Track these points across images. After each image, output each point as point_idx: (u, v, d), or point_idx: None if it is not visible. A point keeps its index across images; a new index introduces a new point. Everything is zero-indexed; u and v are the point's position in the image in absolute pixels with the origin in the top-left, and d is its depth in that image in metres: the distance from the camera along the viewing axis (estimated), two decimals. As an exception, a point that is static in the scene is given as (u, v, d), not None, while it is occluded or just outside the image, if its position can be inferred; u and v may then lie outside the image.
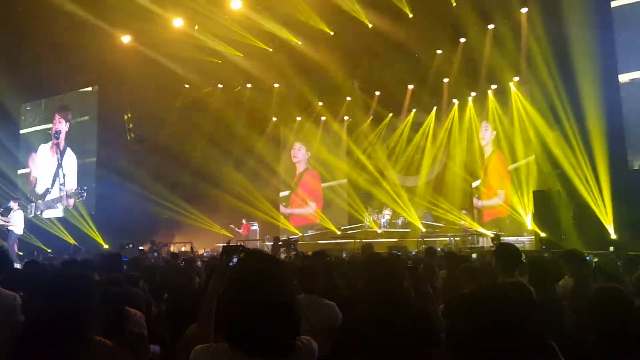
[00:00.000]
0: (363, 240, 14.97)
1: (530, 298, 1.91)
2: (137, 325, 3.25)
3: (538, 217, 12.65)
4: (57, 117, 19.38)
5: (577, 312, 3.21)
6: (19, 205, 13.21)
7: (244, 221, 19.28)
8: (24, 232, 13.24)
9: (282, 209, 21.02)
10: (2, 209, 13.32)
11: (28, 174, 19.71)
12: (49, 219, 18.00)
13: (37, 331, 2.16)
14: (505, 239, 13.02)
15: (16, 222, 12.73)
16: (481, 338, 1.83)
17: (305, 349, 1.93)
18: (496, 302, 1.82)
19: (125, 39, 15.92)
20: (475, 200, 17.65)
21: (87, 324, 2.23)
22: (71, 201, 18.06)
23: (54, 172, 18.87)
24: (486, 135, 17.56)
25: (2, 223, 12.73)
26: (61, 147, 18.85)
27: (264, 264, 1.99)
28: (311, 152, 21.19)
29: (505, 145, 16.87)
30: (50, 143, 19.25)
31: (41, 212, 17.75)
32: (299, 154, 21.39)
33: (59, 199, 18.23)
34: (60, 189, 18.23)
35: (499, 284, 2.04)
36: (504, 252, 3.97)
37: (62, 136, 19.05)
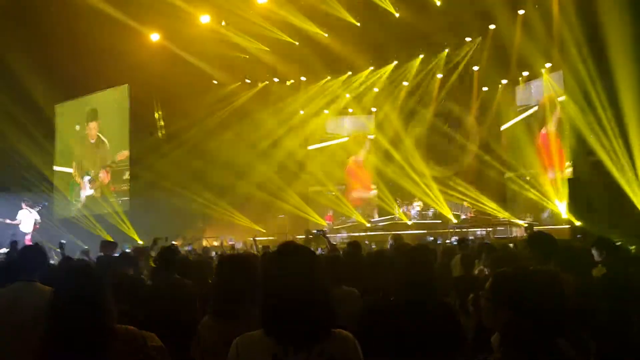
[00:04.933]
0: (392, 232, 14.91)
1: (557, 285, 1.87)
2: None
3: (573, 206, 12.37)
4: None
5: (610, 300, 3.14)
6: (26, 205, 14.66)
7: (330, 212, 19.49)
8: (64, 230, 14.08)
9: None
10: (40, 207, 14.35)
11: (66, 173, 20.25)
12: (84, 216, 18.49)
13: (62, 326, 2.20)
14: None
15: (22, 221, 14.35)
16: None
17: (339, 338, 1.96)
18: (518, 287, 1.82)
19: (154, 37, 16.14)
20: None
21: (106, 314, 2.26)
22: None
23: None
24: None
25: (10, 223, 14.19)
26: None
27: (296, 255, 2.02)
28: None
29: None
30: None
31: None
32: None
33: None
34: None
35: (524, 269, 2.01)
36: (538, 240, 3.86)
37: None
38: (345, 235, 17.73)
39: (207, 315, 2.83)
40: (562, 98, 15.35)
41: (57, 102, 19.94)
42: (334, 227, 19.23)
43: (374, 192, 20.63)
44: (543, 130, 16.91)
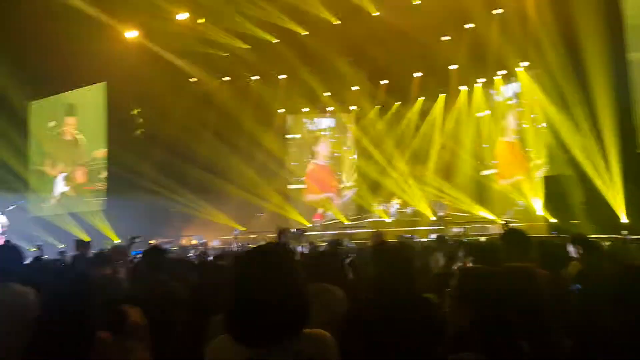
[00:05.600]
0: (372, 230, 14.94)
1: (526, 285, 1.88)
2: None
3: (548, 203, 12.56)
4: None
5: (585, 296, 3.18)
6: None
7: (320, 210, 19.20)
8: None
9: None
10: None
11: (40, 171, 19.88)
12: (59, 214, 18.20)
13: (48, 330, 2.17)
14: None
15: None
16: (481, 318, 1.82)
17: (317, 337, 1.89)
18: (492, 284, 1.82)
19: (131, 34, 15.92)
20: None
21: (93, 321, 2.25)
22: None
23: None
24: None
25: None
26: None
27: (266, 255, 1.94)
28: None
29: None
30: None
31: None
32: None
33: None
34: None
35: (493, 267, 2.01)
36: (512, 237, 3.80)
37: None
38: (327, 233, 17.73)
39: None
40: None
41: (30, 99, 19.56)
42: (322, 225, 19.15)
43: (346, 194, 20.60)
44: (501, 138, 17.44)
